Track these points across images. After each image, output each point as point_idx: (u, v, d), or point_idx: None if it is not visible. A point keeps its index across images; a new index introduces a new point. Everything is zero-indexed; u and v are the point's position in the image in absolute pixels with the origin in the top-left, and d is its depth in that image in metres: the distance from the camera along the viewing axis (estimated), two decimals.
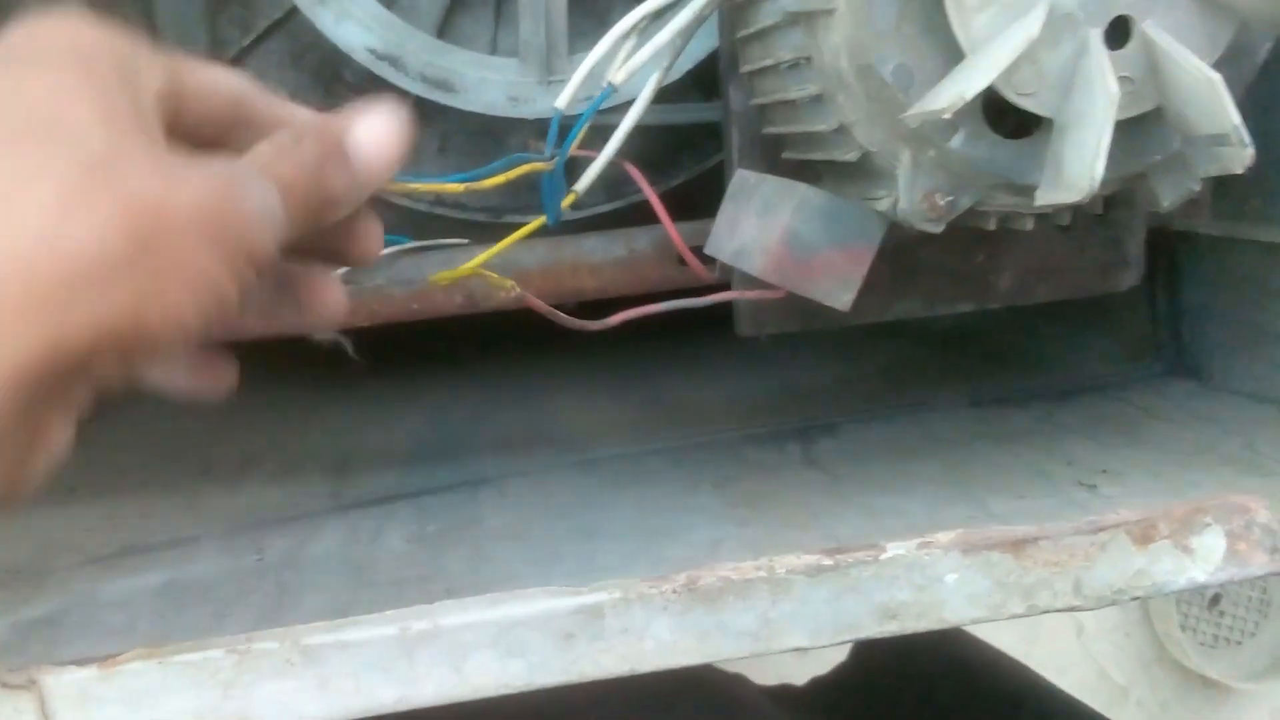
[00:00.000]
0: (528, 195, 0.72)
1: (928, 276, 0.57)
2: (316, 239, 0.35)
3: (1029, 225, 0.45)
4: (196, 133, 0.33)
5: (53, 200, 0.26)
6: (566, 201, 0.56)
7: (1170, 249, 0.62)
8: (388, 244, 0.60)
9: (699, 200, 0.71)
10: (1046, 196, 0.39)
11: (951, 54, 0.39)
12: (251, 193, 0.30)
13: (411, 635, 0.38)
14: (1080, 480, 0.51)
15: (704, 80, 0.66)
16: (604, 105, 0.54)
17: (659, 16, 0.53)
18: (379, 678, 0.38)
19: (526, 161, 0.51)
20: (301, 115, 0.35)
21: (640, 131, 0.54)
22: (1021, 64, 0.38)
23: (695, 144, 0.70)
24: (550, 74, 0.63)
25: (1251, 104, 0.43)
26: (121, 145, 0.28)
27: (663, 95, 0.55)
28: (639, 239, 0.62)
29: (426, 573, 0.52)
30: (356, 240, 0.37)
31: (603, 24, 0.69)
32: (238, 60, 0.67)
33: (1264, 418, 0.55)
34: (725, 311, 0.55)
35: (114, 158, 0.27)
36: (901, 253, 0.54)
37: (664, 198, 0.72)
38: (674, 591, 0.38)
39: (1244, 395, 0.59)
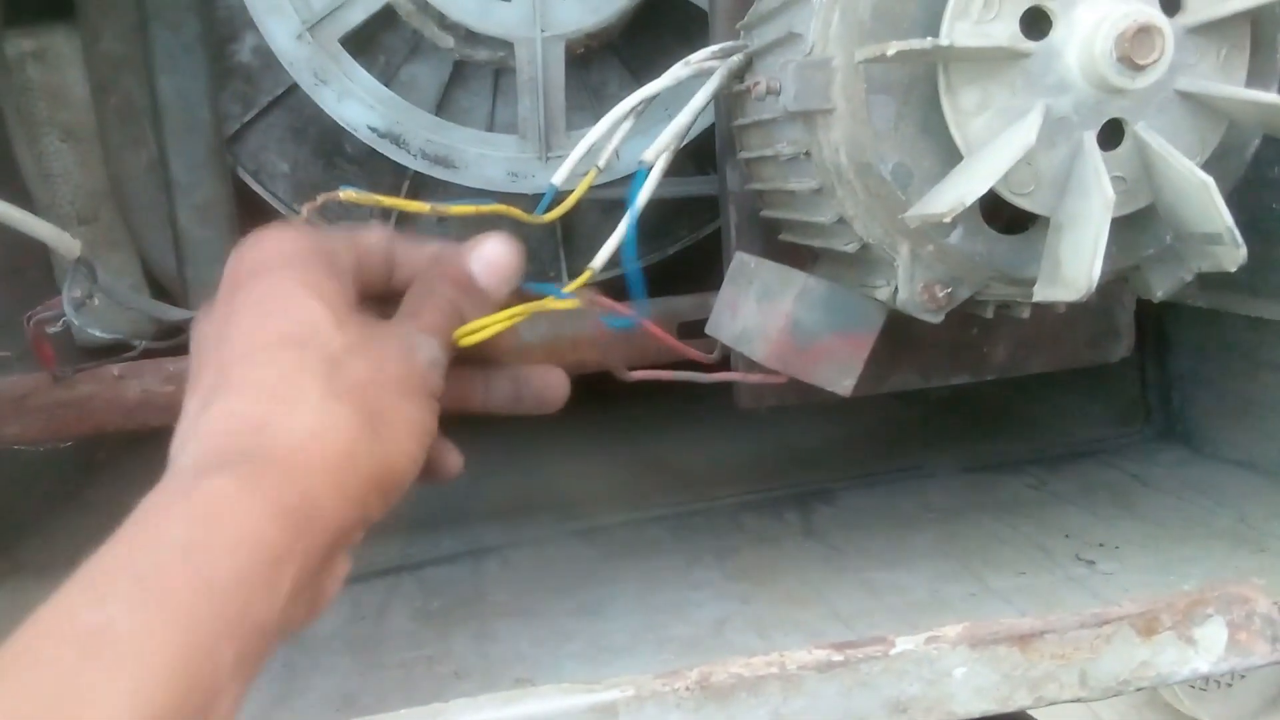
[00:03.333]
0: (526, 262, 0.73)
1: (923, 350, 0.58)
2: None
3: (1025, 313, 0.46)
4: (369, 280, 0.42)
5: (317, 400, 0.36)
6: (582, 279, 0.56)
7: (1159, 318, 0.64)
8: None
9: (695, 268, 0.72)
10: (1045, 293, 0.40)
11: (949, 154, 0.41)
12: (421, 351, 0.40)
13: None
14: (1078, 555, 0.52)
15: (699, 153, 0.67)
16: (600, 181, 0.55)
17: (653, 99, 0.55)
18: None
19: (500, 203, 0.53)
20: (430, 250, 0.44)
21: None
22: (1018, 166, 0.39)
23: (691, 213, 0.71)
24: (549, 150, 0.64)
25: (1238, 183, 0.44)
26: (345, 338, 0.38)
27: None
28: (639, 313, 0.62)
29: (434, 654, 0.52)
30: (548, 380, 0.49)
31: (598, 98, 0.70)
32: (240, 134, 0.68)
33: (1254, 488, 0.56)
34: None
35: (343, 354, 0.38)
36: (897, 327, 0.55)
37: (661, 265, 0.73)
38: (687, 689, 0.39)
39: (1233, 463, 0.60)
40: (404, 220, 0.70)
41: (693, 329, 0.60)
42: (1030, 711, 0.74)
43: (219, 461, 0.35)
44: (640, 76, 0.69)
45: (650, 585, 0.57)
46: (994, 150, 0.38)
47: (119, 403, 0.59)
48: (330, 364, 0.38)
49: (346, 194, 0.53)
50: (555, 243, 0.71)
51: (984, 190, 0.38)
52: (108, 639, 0.29)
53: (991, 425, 0.72)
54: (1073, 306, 0.57)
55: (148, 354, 0.59)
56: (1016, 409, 0.72)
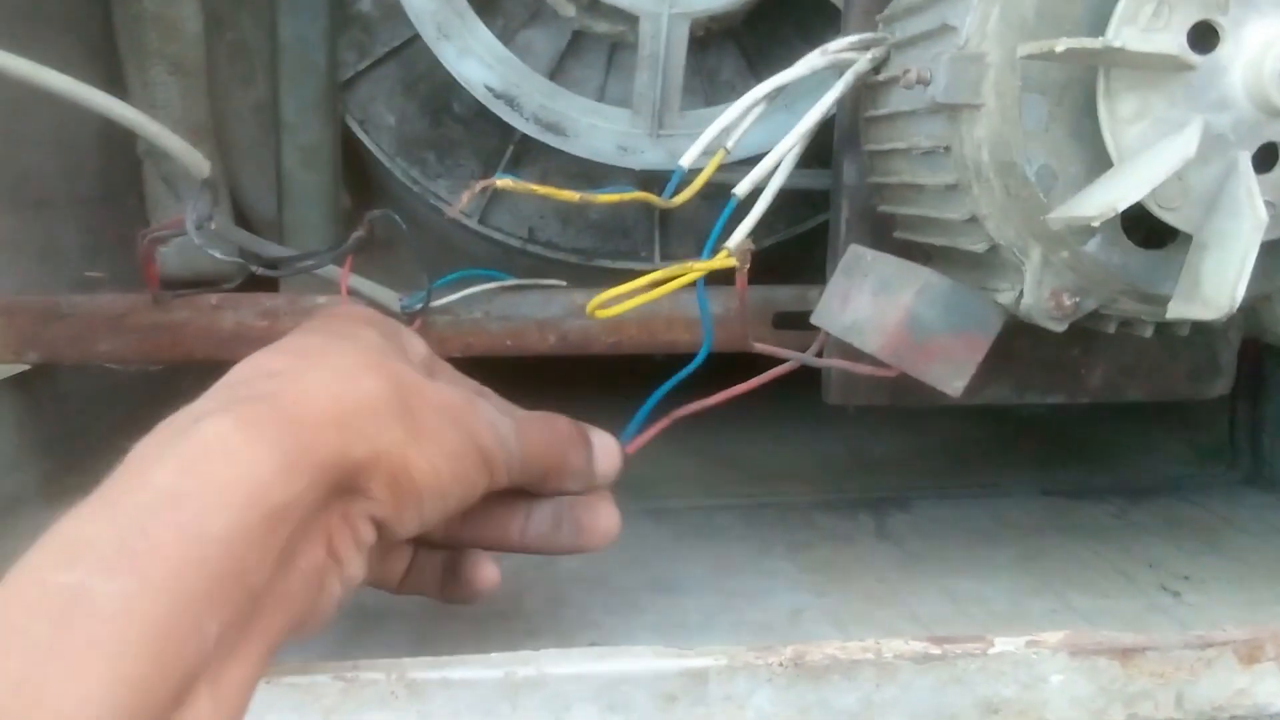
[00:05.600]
0: (619, 240, 0.73)
1: (1021, 365, 0.57)
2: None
3: (1148, 332, 0.46)
4: None
5: (347, 365, 0.36)
6: (719, 260, 0.55)
7: (1257, 359, 0.63)
8: (488, 279, 0.61)
9: (788, 263, 0.71)
10: (1180, 310, 0.40)
11: (1097, 160, 0.40)
12: (488, 415, 0.40)
13: (517, 680, 0.39)
14: (1163, 585, 0.52)
15: (809, 148, 0.66)
16: (721, 165, 0.55)
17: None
18: None
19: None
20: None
21: None
22: (1170, 180, 0.38)
23: (791, 208, 0.71)
24: (660, 128, 0.64)
25: None
26: (393, 351, 0.40)
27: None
28: (735, 298, 0.62)
29: (506, 610, 0.52)
30: (598, 517, 0.47)
31: (712, 84, 0.70)
32: (352, 82, 0.68)
33: None
34: (797, 374, 0.55)
35: (387, 354, 0.39)
36: (998, 340, 0.55)
37: (755, 257, 0.73)
38: (780, 664, 0.38)
39: None
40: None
41: (788, 320, 0.60)
42: None
43: (222, 405, 0.33)
44: (756, 66, 0.69)
45: (722, 569, 0.57)
46: (1151, 159, 0.38)
47: (213, 332, 0.59)
48: (381, 354, 0.38)
49: (503, 182, 0.52)
50: (651, 223, 0.71)
51: (1138, 197, 0.37)
52: (83, 607, 0.26)
53: (1071, 453, 0.71)
54: (1176, 337, 0.57)
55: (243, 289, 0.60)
56: (1097, 440, 0.72)
